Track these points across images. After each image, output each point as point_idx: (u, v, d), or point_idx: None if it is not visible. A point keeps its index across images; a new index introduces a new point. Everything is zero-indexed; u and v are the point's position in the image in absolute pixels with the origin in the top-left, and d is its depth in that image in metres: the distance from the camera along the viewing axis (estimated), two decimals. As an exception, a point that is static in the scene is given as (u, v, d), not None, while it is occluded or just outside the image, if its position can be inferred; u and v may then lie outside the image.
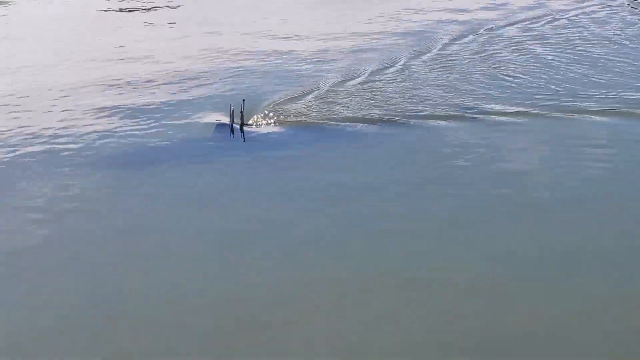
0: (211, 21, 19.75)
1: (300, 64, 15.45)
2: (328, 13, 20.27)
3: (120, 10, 21.84)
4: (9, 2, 22.85)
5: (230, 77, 14.75)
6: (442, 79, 14.15)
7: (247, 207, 9.52)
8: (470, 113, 12.33)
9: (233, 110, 12.07)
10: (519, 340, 7.04)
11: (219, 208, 9.55)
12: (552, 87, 13.47)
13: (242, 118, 12.11)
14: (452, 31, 17.71)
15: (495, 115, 12.25)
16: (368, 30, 18.17)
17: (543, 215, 9.09)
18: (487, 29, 17.84)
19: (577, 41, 16.58)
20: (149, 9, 21.65)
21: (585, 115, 12.10)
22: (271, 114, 12.43)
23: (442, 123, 12.01)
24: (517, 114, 12.25)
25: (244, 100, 12.28)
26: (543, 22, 18.48)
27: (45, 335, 7.30)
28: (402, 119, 12.20)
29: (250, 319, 7.40)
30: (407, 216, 9.18)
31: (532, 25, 18.19)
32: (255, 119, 12.30)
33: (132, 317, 7.51)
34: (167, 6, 21.94)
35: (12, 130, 12.20)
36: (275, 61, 15.72)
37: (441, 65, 15.08)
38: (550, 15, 19.17)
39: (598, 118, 11.98)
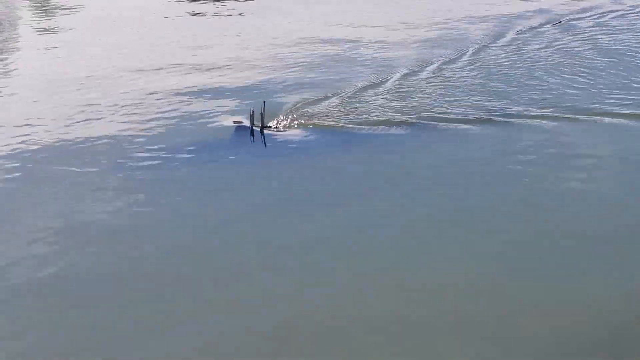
0: (252, 23, 19.82)
1: (328, 66, 15.38)
2: (367, 13, 20.20)
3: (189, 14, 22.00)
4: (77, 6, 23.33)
5: (254, 78, 14.75)
6: (479, 80, 14.03)
7: (260, 214, 9.39)
8: (498, 116, 12.17)
9: (253, 112, 11.90)
10: (519, 341, 6.93)
11: (228, 214, 9.43)
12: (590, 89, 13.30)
13: (262, 120, 11.95)
14: (491, 31, 17.65)
15: (523, 119, 12.07)
16: (406, 29, 18.13)
17: (546, 218, 9.00)
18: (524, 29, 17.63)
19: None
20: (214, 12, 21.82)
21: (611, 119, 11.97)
22: (294, 117, 12.30)
23: (468, 126, 11.89)
24: (542, 117, 12.08)
25: (264, 101, 12.11)
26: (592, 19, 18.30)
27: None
28: (428, 122, 12.05)
29: (254, 321, 7.38)
30: (416, 219, 9.09)
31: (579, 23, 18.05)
32: (278, 122, 12.15)
33: (135, 313, 7.51)
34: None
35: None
36: (304, 63, 15.69)
37: (479, 65, 14.96)
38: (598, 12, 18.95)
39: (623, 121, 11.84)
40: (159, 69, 15.79)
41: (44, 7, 23.48)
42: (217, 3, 22.60)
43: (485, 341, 6.91)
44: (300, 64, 15.64)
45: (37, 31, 20.52)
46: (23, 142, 11.84)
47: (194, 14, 21.75)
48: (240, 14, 21.45)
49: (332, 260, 8.24)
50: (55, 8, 23.35)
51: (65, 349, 7.07)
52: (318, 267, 8.15)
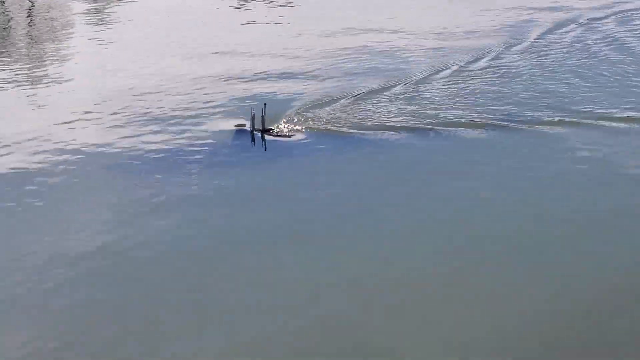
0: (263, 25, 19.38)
1: (336, 70, 14.91)
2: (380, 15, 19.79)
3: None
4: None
5: (260, 80, 14.34)
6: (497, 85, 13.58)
7: (259, 220, 9.09)
8: (507, 121, 11.75)
9: (254, 114, 11.49)
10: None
11: (225, 222, 9.15)
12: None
13: (263, 123, 11.53)
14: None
15: (533, 124, 11.65)
16: (419, 35, 17.58)
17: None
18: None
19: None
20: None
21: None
22: (297, 120, 11.89)
23: (477, 131, 11.49)
24: (553, 123, 11.65)
25: (265, 104, 11.72)
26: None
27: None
28: (435, 127, 11.62)
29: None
30: (420, 228, 8.83)
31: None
32: (280, 125, 11.73)
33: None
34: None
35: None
36: (312, 65, 15.22)
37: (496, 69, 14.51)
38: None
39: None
40: (155, 69, 15.51)
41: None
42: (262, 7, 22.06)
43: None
44: (308, 67, 15.15)
45: (89, 26, 20.31)
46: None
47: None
48: (252, 18, 20.94)
49: (331, 267, 8.04)
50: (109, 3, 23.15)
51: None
52: (317, 273, 7.96)
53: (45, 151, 11.20)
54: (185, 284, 7.83)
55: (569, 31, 17.25)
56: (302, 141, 11.34)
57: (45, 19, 21.11)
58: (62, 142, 11.50)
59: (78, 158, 10.91)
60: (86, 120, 12.53)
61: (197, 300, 7.54)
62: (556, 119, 11.72)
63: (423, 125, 11.66)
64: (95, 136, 11.70)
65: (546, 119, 11.73)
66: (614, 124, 11.50)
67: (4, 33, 19.91)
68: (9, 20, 21.14)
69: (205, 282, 7.84)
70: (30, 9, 22.25)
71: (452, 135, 11.36)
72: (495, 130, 11.44)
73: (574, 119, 11.66)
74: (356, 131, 11.59)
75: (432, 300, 7.36)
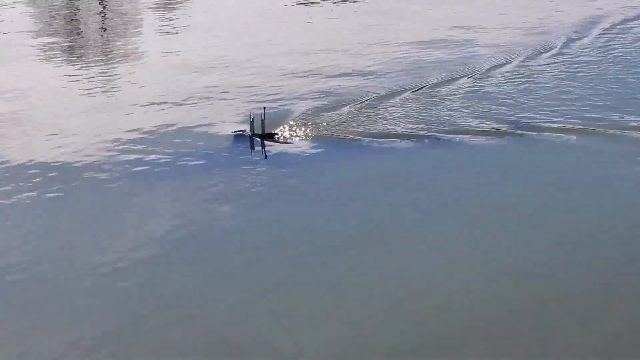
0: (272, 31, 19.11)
1: (346, 74, 14.50)
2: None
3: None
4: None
5: (266, 83, 14.01)
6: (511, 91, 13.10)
7: (254, 233, 8.80)
8: (519, 129, 11.38)
9: (253, 119, 11.13)
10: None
11: (220, 231, 8.86)
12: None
13: (263, 129, 11.14)
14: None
15: (542, 131, 11.28)
16: (431, 41, 17.11)
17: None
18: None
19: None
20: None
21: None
22: (301, 126, 11.55)
23: (484, 139, 11.12)
24: (563, 130, 11.30)
25: (264, 107, 11.40)
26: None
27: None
28: (445, 135, 11.24)
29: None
30: (424, 244, 8.53)
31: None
32: (282, 131, 11.40)
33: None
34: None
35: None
36: (321, 69, 14.86)
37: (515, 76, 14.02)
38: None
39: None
40: (156, 70, 15.38)
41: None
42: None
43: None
44: (317, 71, 14.79)
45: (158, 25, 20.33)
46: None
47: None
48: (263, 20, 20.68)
49: (331, 273, 7.90)
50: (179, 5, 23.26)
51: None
52: (309, 289, 7.72)
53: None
54: (178, 285, 7.72)
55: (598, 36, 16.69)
56: (304, 147, 11.00)
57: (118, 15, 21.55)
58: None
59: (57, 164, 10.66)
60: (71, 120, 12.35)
61: (199, 300, 7.44)
62: (569, 126, 11.38)
63: (433, 133, 11.28)
64: (81, 139, 11.47)
65: (565, 126, 11.40)
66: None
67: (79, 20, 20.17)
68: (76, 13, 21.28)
69: (202, 284, 7.74)
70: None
71: (463, 144, 11.01)
72: (509, 138, 11.10)
73: (590, 127, 11.29)
74: (362, 138, 11.23)
75: (436, 308, 7.22)
